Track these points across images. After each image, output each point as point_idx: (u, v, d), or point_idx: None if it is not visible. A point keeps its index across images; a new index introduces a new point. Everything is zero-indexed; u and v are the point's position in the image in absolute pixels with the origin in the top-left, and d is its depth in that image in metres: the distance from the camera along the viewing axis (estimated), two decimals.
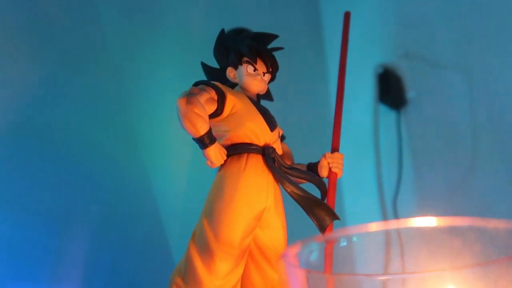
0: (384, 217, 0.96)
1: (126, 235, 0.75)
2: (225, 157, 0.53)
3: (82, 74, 0.76)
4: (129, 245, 0.74)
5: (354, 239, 0.32)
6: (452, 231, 0.28)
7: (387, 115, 1.00)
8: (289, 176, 0.55)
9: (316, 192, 0.56)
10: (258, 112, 0.56)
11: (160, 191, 0.79)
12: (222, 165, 0.54)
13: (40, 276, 0.68)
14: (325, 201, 0.55)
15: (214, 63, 0.61)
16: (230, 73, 0.58)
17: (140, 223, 0.77)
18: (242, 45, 0.57)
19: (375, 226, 0.29)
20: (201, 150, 0.52)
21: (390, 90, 0.99)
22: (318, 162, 0.57)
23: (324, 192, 0.55)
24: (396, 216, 0.94)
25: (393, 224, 0.29)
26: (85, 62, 0.77)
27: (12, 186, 0.68)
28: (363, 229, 0.30)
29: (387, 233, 0.30)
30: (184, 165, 0.81)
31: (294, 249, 0.30)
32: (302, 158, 0.61)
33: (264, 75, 0.58)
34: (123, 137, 0.78)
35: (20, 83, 0.71)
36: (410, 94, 0.97)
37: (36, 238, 0.68)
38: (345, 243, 0.33)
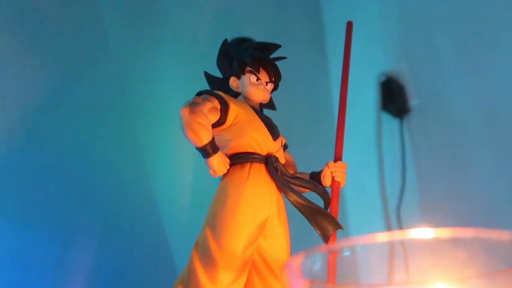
0: (388, 226, 0.96)
1: (129, 244, 0.75)
2: (228, 166, 0.53)
3: (86, 82, 0.77)
4: (132, 254, 0.74)
5: (358, 249, 0.32)
6: (456, 242, 0.28)
7: (390, 123, 0.99)
8: (292, 185, 0.55)
9: (319, 202, 0.56)
10: (261, 122, 0.56)
11: (163, 199, 0.79)
12: (225, 174, 0.54)
13: (42, 284, 0.68)
14: (328, 210, 0.55)
15: (217, 73, 0.61)
16: (233, 82, 0.59)
17: (143, 232, 0.76)
18: (244, 55, 0.58)
19: (378, 237, 0.29)
20: (204, 159, 0.52)
21: (393, 98, 0.99)
22: (321, 171, 0.57)
23: (327, 201, 0.55)
24: (400, 224, 0.93)
25: (397, 235, 0.29)
26: (89, 71, 0.78)
27: (15, 194, 0.68)
28: (366, 239, 0.30)
29: (391, 243, 0.30)
30: (187, 174, 0.81)
31: (297, 259, 0.30)
32: (305, 167, 0.61)
33: (267, 85, 0.58)
34: (126, 145, 0.79)
35: (23, 91, 0.72)
36: (413, 102, 0.97)
37: (39, 246, 0.68)
38: (348, 253, 0.33)
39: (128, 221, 0.75)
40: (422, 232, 0.28)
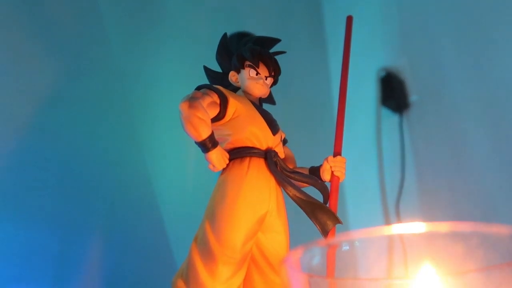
0: (387, 221, 0.96)
1: (129, 238, 0.75)
2: (227, 161, 0.53)
3: (86, 78, 0.77)
4: (132, 248, 0.74)
5: (357, 243, 0.32)
6: (454, 236, 0.28)
7: (390, 119, 1.00)
8: (292, 180, 0.55)
9: (318, 196, 0.56)
10: (260, 116, 0.56)
11: (163, 194, 0.79)
12: (224, 169, 0.54)
13: (42, 279, 0.68)
14: (328, 205, 0.55)
15: (217, 67, 0.61)
16: (233, 77, 0.59)
17: (142, 226, 0.77)
18: (244, 49, 0.58)
19: (377, 231, 0.29)
20: (203, 154, 0.52)
21: (392, 93, 0.99)
22: (321, 166, 0.57)
23: (327, 196, 0.55)
24: (399, 219, 0.94)
25: (395, 229, 0.29)
26: (88, 67, 0.78)
27: (15, 188, 0.68)
28: (365, 233, 0.30)
29: (389, 237, 0.30)
30: (186, 169, 0.81)
31: (296, 254, 0.30)
32: (304, 162, 0.61)
33: (266, 79, 0.58)
34: (125, 140, 0.79)
35: (24, 87, 0.72)
36: (413, 97, 0.97)
37: (39, 241, 0.68)
38: (347, 247, 0.33)
39: (127, 215, 0.75)
40: (420, 226, 0.28)
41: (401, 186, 0.95)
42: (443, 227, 0.28)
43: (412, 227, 0.28)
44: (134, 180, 0.77)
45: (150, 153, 0.80)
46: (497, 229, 0.26)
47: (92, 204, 0.74)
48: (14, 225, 0.67)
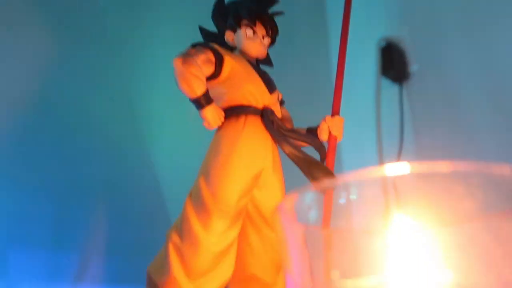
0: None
1: (125, 196, 0.75)
2: (222, 119, 0.52)
3: (80, 48, 0.76)
4: (128, 206, 0.74)
5: (353, 196, 0.31)
6: (454, 177, 0.27)
7: (390, 89, 0.98)
8: (289, 139, 0.54)
9: (315, 156, 0.55)
10: (257, 75, 0.55)
11: (158, 153, 0.79)
12: (219, 127, 0.53)
13: (40, 241, 0.68)
14: (324, 163, 0.54)
15: (213, 29, 0.59)
16: (229, 37, 0.57)
17: (138, 185, 0.77)
18: (241, 8, 0.56)
19: (373, 172, 0.28)
20: (198, 111, 0.51)
21: (393, 63, 0.98)
22: (318, 125, 0.56)
23: (324, 155, 0.55)
24: (396, 189, 0.93)
25: (391, 170, 0.28)
26: (84, 34, 0.77)
27: (14, 158, 0.68)
28: (361, 176, 0.29)
29: (384, 181, 0.29)
30: (182, 127, 0.81)
31: (291, 201, 0.29)
32: (302, 124, 0.60)
33: (263, 39, 0.57)
34: (121, 106, 0.78)
35: (19, 57, 0.71)
36: (413, 67, 0.96)
37: (38, 205, 0.69)
38: (343, 200, 0.32)
39: (123, 174, 0.76)
40: (418, 167, 0.27)
41: (399, 156, 0.94)
42: (443, 167, 0.27)
43: (408, 168, 0.27)
44: (130, 141, 0.77)
45: (146, 114, 0.79)
46: (500, 170, 0.25)
47: (90, 169, 0.74)
48: (14, 191, 0.67)
